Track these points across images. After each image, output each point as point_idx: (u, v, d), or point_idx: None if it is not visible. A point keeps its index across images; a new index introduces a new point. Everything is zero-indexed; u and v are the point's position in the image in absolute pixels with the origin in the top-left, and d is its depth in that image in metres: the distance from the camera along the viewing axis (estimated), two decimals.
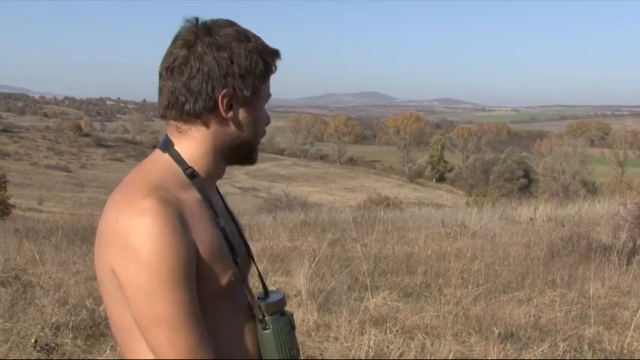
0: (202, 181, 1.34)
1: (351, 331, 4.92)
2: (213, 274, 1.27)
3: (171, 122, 1.35)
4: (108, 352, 4.51)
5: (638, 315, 5.25)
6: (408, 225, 10.90)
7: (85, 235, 8.98)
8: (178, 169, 1.32)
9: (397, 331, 4.98)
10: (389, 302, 5.85)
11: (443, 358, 4.49)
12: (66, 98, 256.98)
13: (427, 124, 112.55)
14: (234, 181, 65.36)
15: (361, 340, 4.69)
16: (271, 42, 1.38)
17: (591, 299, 5.98)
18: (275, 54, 1.38)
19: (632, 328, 5.12)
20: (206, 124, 1.33)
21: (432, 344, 4.70)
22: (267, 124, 1.44)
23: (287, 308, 1.44)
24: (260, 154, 1.46)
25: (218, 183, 1.50)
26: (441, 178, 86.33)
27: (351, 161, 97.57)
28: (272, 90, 1.41)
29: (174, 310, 1.19)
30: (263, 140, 1.49)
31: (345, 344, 4.73)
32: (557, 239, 8.64)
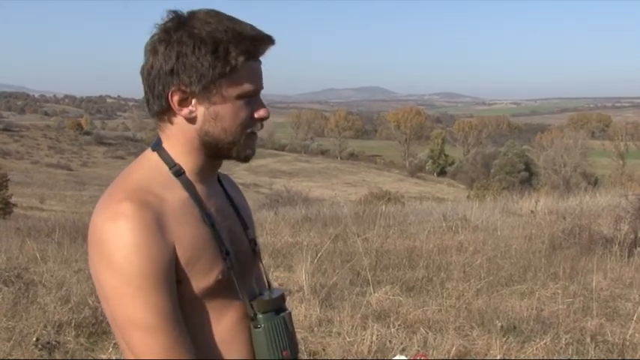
0: (191, 178, 1.31)
1: (353, 326, 4.92)
2: (196, 274, 1.25)
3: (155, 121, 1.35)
4: (110, 349, 4.51)
5: None
6: (409, 219, 10.91)
7: (86, 233, 8.77)
8: (165, 168, 1.30)
9: (399, 325, 4.99)
10: (391, 297, 5.85)
11: (445, 352, 4.50)
12: (66, 96, 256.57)
13: (427, 118, 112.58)
14: (235, 177, 64.22)
15: (364, 335, 4.69)
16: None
17: (593, 291, 5.98)
18: (244, 43, 1.25)
19: (634, 319, 5.12)
20: (171, 123, 1.30)
21: (435, 338, 4.70)
22: (263, 118, 1.34)
23: (289, 306, 1.40)
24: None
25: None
26: (442, 172, 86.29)
27: (352, 156, 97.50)
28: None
29: (147, 314, 1.18)
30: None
31: (348, 339, 4.73)
32: (558, 232, 8.63)
